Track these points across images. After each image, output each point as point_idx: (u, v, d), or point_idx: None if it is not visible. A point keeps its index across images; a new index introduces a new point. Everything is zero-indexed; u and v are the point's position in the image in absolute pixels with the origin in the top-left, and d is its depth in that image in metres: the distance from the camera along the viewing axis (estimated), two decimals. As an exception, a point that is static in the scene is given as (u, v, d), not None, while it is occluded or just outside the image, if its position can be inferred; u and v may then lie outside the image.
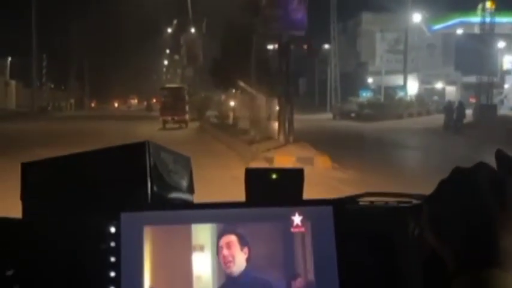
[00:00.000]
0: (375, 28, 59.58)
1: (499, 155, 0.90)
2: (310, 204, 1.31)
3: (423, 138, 28.50)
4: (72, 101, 62.62)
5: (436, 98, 56.54)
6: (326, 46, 59.72)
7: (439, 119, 35.88)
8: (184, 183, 1.41)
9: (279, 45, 21.68)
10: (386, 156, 19.03)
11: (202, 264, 1.27)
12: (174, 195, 1.36)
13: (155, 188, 1.32)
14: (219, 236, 1.28)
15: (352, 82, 52.87)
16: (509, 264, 0.83)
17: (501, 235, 0.83)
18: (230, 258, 1.27)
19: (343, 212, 1.29)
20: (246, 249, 1.28)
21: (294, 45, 23.77)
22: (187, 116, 33.98)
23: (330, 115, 49.54)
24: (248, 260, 1.27)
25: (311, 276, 1.27)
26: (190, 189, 1.43)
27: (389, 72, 56.51)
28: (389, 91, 54.72)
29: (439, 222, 0.88)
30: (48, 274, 1.26)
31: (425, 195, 1.43)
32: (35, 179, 1.33)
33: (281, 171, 1.38)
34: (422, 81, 60.24)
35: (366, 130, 32.00)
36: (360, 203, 1.44)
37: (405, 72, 52.50)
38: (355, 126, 35.63)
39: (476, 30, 46.76)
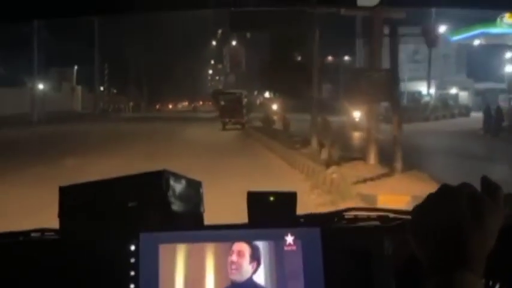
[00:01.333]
0: (397, 41, 59.06)
1: (484, 181, 0.92)
2: (301, 225, 1.34)
3: (469, 144, 20.83)
4: (131, 104, 63.65)
5: (450, 102, 55.56)
6: (346, 58, 59.50)
7: (467, 121, 32.89)
8: (196, 205, 1.45)
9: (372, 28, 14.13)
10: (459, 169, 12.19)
11: (208, 276, 1.31)
12: (186, 217, 1.39)
13: (170, 211, 1.36)
14: (234, 240, 1.31)
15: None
16: (479, 268, 0.84)
17: (472, 242, 0.85)
18: (236, 266, 1.30)
19: (329, 231, 1.31)
20: (254, 264, 1.30)
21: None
22: (245, 118, 32.53)
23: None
24: (253, 273, 1.30)
25: (301, 288, 1.29)
26: (201, 211, 1.46)
27: (409, 79, 55.98)
28: (415, 95, 53.97)
29: (420, 229, 0.91)
30: (76, 285, 1.31)
31: (400, 210, 1.45)
32: (70, 201, 1.38)
33: (277, 195, 1.40)
34: (438, 87, 59.53)
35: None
36: (346, 217, 1.45)
37: (429, 78, 51.80)
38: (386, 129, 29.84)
39: (497, 41, 45.79)
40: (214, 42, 75.98)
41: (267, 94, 42.97)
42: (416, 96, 53.70)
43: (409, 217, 1.38)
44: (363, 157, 12.44)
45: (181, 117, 43.63)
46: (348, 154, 13.45)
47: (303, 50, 27.16)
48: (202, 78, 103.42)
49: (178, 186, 1.40)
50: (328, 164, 11.16)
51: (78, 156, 13.72)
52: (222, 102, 34.42)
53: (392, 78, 13.11)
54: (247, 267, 1.31)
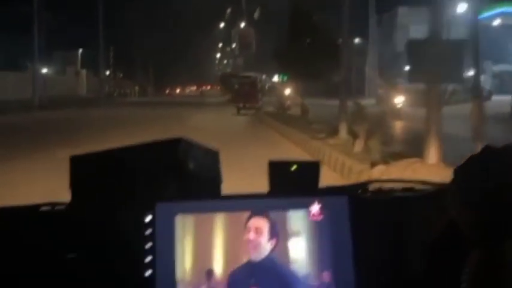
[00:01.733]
0: (410, 21, 58.42)
1: None
2: (327, 194, 1.30)
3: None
4: (137, 88, 63.81)
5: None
6: (356, 40, 59.16)
7: (490, 105, 31.72)
8: (213, 175, 1.42)
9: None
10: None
11: (223, 249, 1.27)
12: (203, 186, 1.36)
13: (187, 180, 1.33)
14: (250, 216, 1.27)
15: (388, 73, 51.91)
16: None
17: None
18: (253, 245, 1.26)
19: (357, 200, 1.28)
20: (273, 241, 1.27)
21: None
22: (260, 103, 31.98)
23: (370, 101, 46.34)
24: (272, 250, 1.26)
25: (328, 261, 1.26)
26: (219, 181, 1.43)
27: None
28: None
29: (464, 192, 0.89)
30: (91, 257, 1.28)
31: (427, 181, 1.41)
32: (82, 171, 1.35)
33: (300, 164, 1.37)
34: (458, 67, 58.90)
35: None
36: (370, 190, 1.42)
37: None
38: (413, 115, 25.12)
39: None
40: (222, 24, 75.93)
41: (275, 78, 42.51)
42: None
43: (436, 188, 1.35)
44: (417, 154, 9.17)
45: (189, 102, 43.49)
46: (392, 149, 11.19)
47: (321, 28, 26.28)
48: (210, 61, 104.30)
49: (195, 155, 1.36)
50: (373, 163, 9.12)
51: (72, 147, 12.79)
52: (236, 86, 33.80)
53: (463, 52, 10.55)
54: (265, 244, 1.27)
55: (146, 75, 72.05)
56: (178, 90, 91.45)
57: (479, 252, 0.86)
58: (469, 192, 0.88)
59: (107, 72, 58.17)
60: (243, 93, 31.61)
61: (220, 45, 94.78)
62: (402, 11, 60.34)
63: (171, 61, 77.18)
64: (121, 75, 65.24)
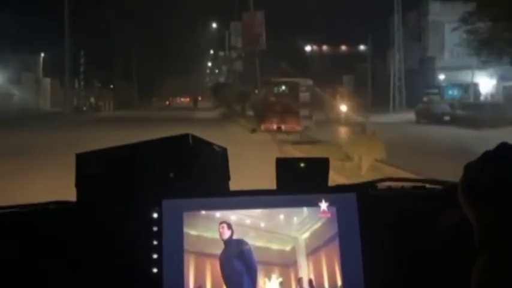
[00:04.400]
0: (443, 19, 58.66)
1: None
2: (336, 191, 1.58)
3: None
4: (111, 102, 63.53)
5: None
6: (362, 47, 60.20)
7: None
8: (221, 172, 1.70)
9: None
10: None
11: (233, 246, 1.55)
12: (211, 183, 1.64)
13: (195, 177, 1.60)
14: (262, 207, 1.56)
15: (415, 79, 51.90)
16: None
17: None
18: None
19: (366, 198, 1.56)
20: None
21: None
22: (305, 124, 25.98)
23: (402, 117, 42.83)
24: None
25: (337, 257, 1.53)
26: (226, 178, 1.71)
27: (460, 68, 55.54)
28: (468, 90, 53.45)
29: (477, 188, 1.04)
30: (97, 254, 1.55)
31: (438, 180, 1.69)
32: (88, 169, 1.63)
33: (308, 161, 1.65)
34: (501, 78, 58.49)
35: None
36: (379, 188, 1.70)
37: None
38: (470, 137, 23.95)
39: None
40: (214, 25, 75.93)
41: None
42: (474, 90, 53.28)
43: (448, 186, 1.62)
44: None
45: (178, 117, 41.78)
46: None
47: None
48: (200, 71, 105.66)
49: (203, 152, 1.65)
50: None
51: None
52: (272, 98, 27.35)
53: None
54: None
55: (129, 85, 72.53)
56: (168, 103, 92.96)
57: (484, 253, 0.99)
58: (480, 189, 1.04)
59: (80, 82, 58.03)
60: (277, 110, 25.90)
61: (211, 51, 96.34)
62: (434, 7, 60.49)
63: (158, 69, 78.13)
64: (99, 85, 65.36)
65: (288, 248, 1.55)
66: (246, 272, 1.52)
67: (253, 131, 26.33)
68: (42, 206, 1.63)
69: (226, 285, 1.50)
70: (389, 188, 1.73)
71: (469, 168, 1.09)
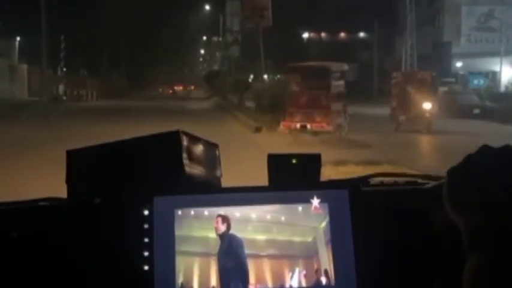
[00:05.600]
0: (460, 1, 58.54)
1: None
2: (328, 188, 1.73)
3: None
4: (94, 92, 63.24)
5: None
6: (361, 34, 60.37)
7: None
8: (212, 168, 1.85)
9: None
10: None
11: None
12: (203, 180, 1.79)
13: (186, 174, 1.75)
14: (254, 203, 1.70)
15: (428, 67, 51.49)
16: None
17: None
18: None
19: (358, 193, 1.71)
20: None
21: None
22: (338, 123, 21.88)
23: None
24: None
25: (329, 254, 1.68)
26: (219, 174, 1.86)
27: (479, 54, 55.37)
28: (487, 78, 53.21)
29: (461, 193, 1.15)
30: (88, 252, 1.70)
31: (430, 175, 1.84)
32: (78, 165, 1.78)
33: (300, 157, 1.80)
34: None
35: None
36: (372, 184, 1.85)
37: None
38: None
39: None
40: (207, 7, 75.49)
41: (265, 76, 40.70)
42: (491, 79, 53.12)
43: (438, 182, 1.77)
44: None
45: (168, 108, 40.79)
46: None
47: None
48: (193, 59, 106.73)
49: (194, 148, 1.80)
50: None
51: None
52: (295, 88, 22.75)
53: None
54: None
55: (118, 73, 72.88)
56: (161, 90, 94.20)
57: (473, 257, 1.09)
58: (463, 194, 1.14)
59: (62, 69, 57.78)
60: (302, 103, 21.97)
61: (204, 38, 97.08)
62: (450, -14, 60.00)
63: (148, 57, 78.68)
64: (85, 72, 65.31)
65: (308, 238, 1.71)
66: (240, 265, 1.67)
67: (258, 130, 23.02)
68: (33, 203, 1.78)
69: (220, 280, 1.65)
70: (381, 183, 1.88)
71: (451, 173, 1.19)
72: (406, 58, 53.65)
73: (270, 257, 1.69)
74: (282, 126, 22.19)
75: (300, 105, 21.84)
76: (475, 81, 52.64)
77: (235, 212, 1.69)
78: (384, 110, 29.84)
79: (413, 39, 52.21)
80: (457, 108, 36.64)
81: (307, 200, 1.70)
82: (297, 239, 1.71)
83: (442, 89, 40.72)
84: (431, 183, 1.83)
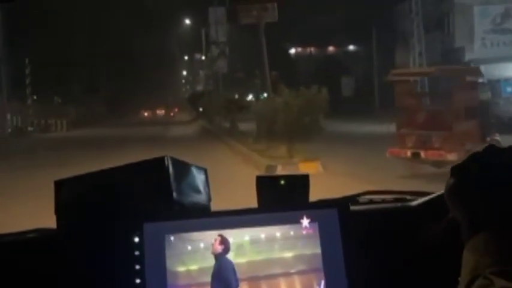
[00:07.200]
0: (471, 1, 58.41)
1: None
2: (317, 207, 1.96)
3: None
4: (64, 121, 62.96)
5: None
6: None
7: None
8: (201, 193, 2.08)
9: None
10: None
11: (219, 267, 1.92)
12: (192, 205, 2.02)
13: (175, 199, 1.99)
14: (245, 226, 1.92)
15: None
16: None
17: None
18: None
19: (348, 212, 1.94)
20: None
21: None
22: (465, 147, 16.50)
23: None
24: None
25: (321, 273, 1.91)
26: (208, 198, 2.10)
27: (494, 59, 55.14)
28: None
29: (463, 186, 1.36)
30: (79, 281, 1.93)
31: (418, 192, 2.08)
32: (66, 195, 2.01)
33: (288, 178, 2.04)
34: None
35: None
36: (360, 201, 2.09)
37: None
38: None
39: None
40: (187, 21, 74.70)
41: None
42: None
43: (426, 198, 2.01)
44: None
45: (144, 137, 39.45)
46: None
47: None
48: (175, 81, 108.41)
49: (182, 173, 2.03)
50: None
51: None
52: (410, 100, 18.90)
53: None
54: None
55: (96, 99, 73.52)
56: (147, 114, 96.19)
57: (474, 237, 1.29)
58: (466, 184, 1.35)
59: (30, 96, 57.70)
60: (420, 121, 18.33)
61: (186, 57, 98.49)
62: (460, -16, 59.66)
63: (128, 80, 79.72)
64: (59, 100, 65.49)
65: (301, 256, 1.94)
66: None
67: (270, 169, 18.50)
68: (22, 235, 2.01)
69: None
70: (370, 201, 2.13)
71: (455, 168, 1.42)
72: (414, 67, 53.37)
73: (267, 277, 1.92)
74: (388, 154, 18.29)
75: (415, 124, 18.20)
76: (509, 89, 51.57)
77: (228, 236, 1.92)
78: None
79: (422, 46, 52.16)
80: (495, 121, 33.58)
81: (297, 221, 1.93)
82: (290, 257, 1.93)
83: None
84: (419, 200, 2.08)
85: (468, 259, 1.30)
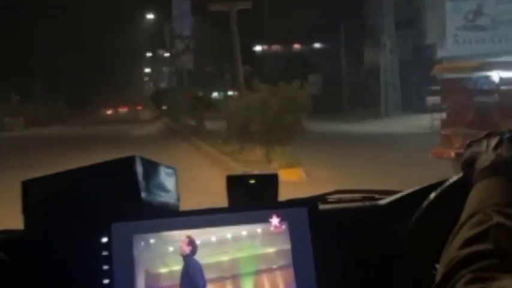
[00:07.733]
0: (443, -4, 58.86)
1: None
2: (287, 206, 2.03)
3: None
4: (21, 119, 62.60)
5: None
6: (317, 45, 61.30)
7: None
8: (170, 192, 2.14)
9: None
10: None
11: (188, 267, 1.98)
12: (161, 204, 2.08)
13: (143, 199, 2.04)
14: (214, 225, 1.99)
15: (410, 74, 51.58)
16: None
17: None
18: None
19: (317, 211, 2.01)
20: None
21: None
22: None
23: (410, 123, 38.14)
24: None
25: (290, 271, 1.98)
26: (177, 198, 2.16)
27: (467, 57, 55.64)
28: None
29: (477, 155, 1.53)
30: (47, 281, 1.98)
31: (386, 190, 2.17)
32: (34, 195, 2.06)
33: (258, 177, 2.11)
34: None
35: None
36: (329, 200, 2.17)
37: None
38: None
39: None
40: (150, 15, 73.83)
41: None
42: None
43: (394, 197, 2.09)
44: None
45: (104, 136, 38.84)
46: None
47: None
48: (138, 81, 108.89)
49: (151, 172, 2.09)
50: None
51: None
52: (456, 96, 18.03)
53: None
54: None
55: (55, 96, 73.15)
56: (110, 112, 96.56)
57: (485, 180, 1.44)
58: (479, 156, 1.51)
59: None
60: (469, 121, 16.85)
61: (149, 54, 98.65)
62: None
63: (90, 78, 79.66)
64: (17, 97, 65.11)
65: (269, 254, 2.01)
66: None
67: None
68: None
69: None
70: (339, 200, 2.21)
71: (470, 143, 1.61)
72: (386, 65, 53.94)
73: (234, 276, 1.98)
74: (431, 155, 17.19)
75: (463, 123, 16.99)
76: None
77: (195, 236, 1.97)
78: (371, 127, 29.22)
79: (393, 43, 52.46)
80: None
81: (266, 220, 2.00)
82: (257, 255, 2.01)
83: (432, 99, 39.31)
84: (388, 198, 2.16)
85: (472, 199, 1.42)
